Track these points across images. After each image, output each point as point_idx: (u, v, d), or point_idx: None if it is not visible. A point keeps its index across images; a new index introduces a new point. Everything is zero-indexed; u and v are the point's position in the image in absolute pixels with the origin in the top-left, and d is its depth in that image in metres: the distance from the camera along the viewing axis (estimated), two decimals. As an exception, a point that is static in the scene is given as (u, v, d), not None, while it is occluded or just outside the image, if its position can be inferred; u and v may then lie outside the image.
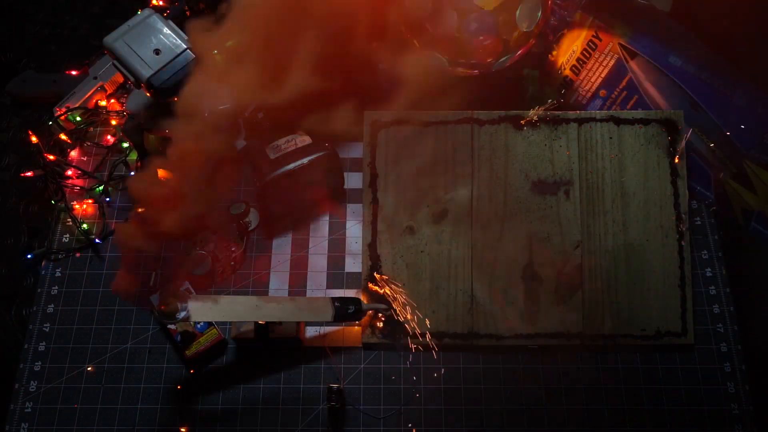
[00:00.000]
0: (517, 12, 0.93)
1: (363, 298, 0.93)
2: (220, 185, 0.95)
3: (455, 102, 1.00)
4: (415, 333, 0.92)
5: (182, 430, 0.87)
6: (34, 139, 1.05)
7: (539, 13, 0.95)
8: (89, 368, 0.91)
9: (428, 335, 0.91)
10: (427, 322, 0.92)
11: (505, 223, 0.95)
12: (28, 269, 0.98)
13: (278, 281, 0.97)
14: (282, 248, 0.99)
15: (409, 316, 0.92)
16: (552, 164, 0.97)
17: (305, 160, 0.93)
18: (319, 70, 0.96)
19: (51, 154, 1.04)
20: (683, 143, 0.97)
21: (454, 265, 0.94)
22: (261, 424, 0.88)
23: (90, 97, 1.07)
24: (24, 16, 1.22)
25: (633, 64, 0.99)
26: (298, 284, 0.97)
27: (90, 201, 1.02)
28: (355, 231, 1.00)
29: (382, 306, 0.92)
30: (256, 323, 0.90)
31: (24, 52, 1.19)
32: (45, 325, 0.94)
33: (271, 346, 0.92)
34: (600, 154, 0.97)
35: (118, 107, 1.10)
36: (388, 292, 0.93)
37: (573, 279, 0.94)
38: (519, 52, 0.99)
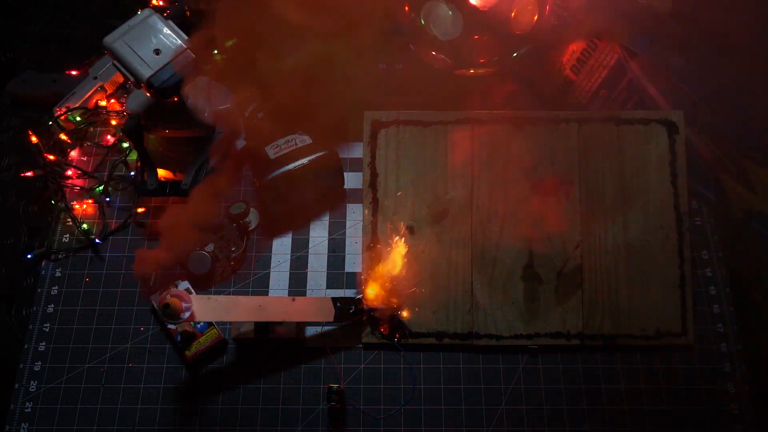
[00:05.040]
0: (512, 14, 0.93)
1: (363, 298, 0.93)
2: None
3: (455, 102, 1.00)
4: (415, 333, 0.92)
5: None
6: (34, 139, 1.05)
7: (535, 17, 0.95)
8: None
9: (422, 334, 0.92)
10: (427, 321, 0.93)
11: (505, 223, 0.95)
12: (28, 269, 0.98)
13: (278, 281, 0.97)
14: (282, 248, 0.99)
15: (408, 316, 0.92)
16: (552, 164, 0.97)
17: (305, 160, 0.93)
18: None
19: (51, 154, 1.04)
20: (683, 143, 0.97)
21: (454, 265, 0.94)
22: (261, 424, 0.88)
23: (90, 97, 1.07)
24: (24, 16, 1.22)
25: (633, 64, 0.99)
26: (298, 284, 0.97)
27: (90, 201, 1.02)
28: (355, 231, 1.00)
29: (383, 306, 0.92)
30: (256, 323, 0.90)
31: (24, 52, 1.19)
32: (45, 325, 0.94)
33: (271, 346, 0.92)
34: (600, 154, 0.97)
35: (118, 107, 1.10)
36: (388, 293, 0.93)
37: (573, 279, 0.94)
38: (517, 53, 0.99)
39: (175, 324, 0.89)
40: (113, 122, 1.08)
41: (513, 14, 0.94)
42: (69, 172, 1.04)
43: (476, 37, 0.94)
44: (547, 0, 0.97)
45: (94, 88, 1.08)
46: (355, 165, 1.04)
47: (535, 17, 0.96)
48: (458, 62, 0.99)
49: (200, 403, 0.89)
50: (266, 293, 0.96)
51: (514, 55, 0.99)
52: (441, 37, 0.96)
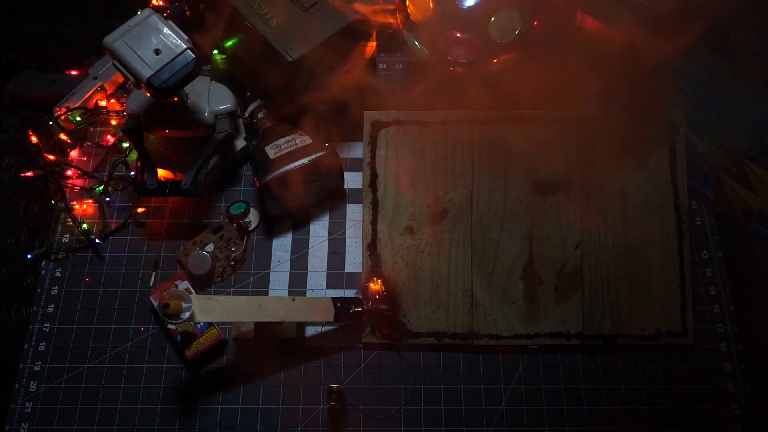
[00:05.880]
0: (491, 21, 0.93)
1: (365, 297, 0.93)
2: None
3: (455, 102, 1.00)
4: (414, 333, 0.92)
5: None
6: (34, 139, 1.05)
7: (518, 27, 0.94)
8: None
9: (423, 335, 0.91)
10: (427, 321, 0.93)
11: (505, 223, 0.95)
12: (28, 269, 0.98)
13: (278, 281, 0.97)
14: (282, 248, 0.99)
15: (409, 316, 0.92)
16: (552, 164, 0.97)
17: (305, 160, 0.93)
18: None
19: (51, 154, 1.04)
20: (683, 143, 0.97)
21: (454, 265, 0.94)
22: (261, 424, 0.88)
23: (90, 97, 1.07)
24: (24, 16, 1.22)
25: (632, 64, 0.99)
26: (298, 284, 0.97)
27: (90, 201, 1.02)
28: (355, 231, 1.00)
29: (383, 306, 0.92)
30: (255, 323, 0.90)
31: (24, 52, 1.19)
32: (45, 325, 0.94)
33: (271, 346, 0.92)
34: (600, 154, 0.97)
35: (118, 107, 1.10)
36: (388, 293, 0.93)
37: (573, 279, 0.94)
38: (506, 56, 0.99)
39: (175, 324, 0.89)
40: (113, 122, 1.08)
41: (492, 19, 0.93)
42: (69, 172, 1.04)
43: (458, 34, 0.94)
44: (537, 14, 0.96)
45: (94, 88, 1.08)
46: (355, 165, 1.04)
47: (517, 30, 0.95)
48: (434, 53, 0.99)
49: (200, 403, 0.89)
50: (266, 293, 0.96)
51: (494, 61, 0.98)
52: (416, 19, 0.95)
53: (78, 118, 1.06)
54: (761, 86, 0.94)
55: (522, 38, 0.95)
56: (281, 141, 0.95)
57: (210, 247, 0.97)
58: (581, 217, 0.95)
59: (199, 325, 0.91)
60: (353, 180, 1.03)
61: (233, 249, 0.97)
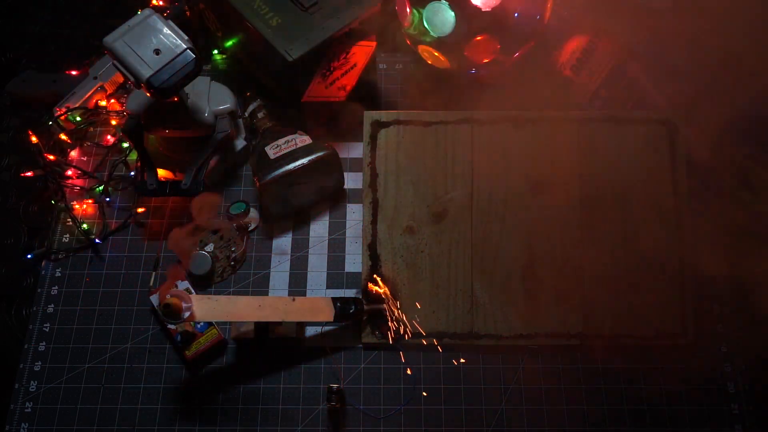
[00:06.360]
0: (515, 14, 0.93)
1: (367, 295, 0.93)
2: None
3: (455, 102, 1.00)
4: (415, 333, 0.92)
5: None
6: (34, 139, 1.05)
7: (538, 16, 0.94)
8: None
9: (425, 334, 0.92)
10: (427, 321, 0.93)
11: (505, 223, 0.95)
12: (28, 269, 0.98)
13: (278, 281, 0.97)
14: (282, 248, 0.99)
15: (408, 316, 0.92)
16: (552, 164, 0.97)
17: (305, 160, 0.93)
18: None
19: (51, 154, 1.04)
20: (683, 143, 0.97)
21: (454, 265, 0.94)
22: (261, 424, 0.88)
23: (90, 97, 1.07)
24: (24, 16, 1.22)
25: (633, 64, 0.99)
26: (298, 284, 0.97)
27: (90, 201, 1.02)
28: (355, 231, 1.00)
29: (383, 306, 0.92)
30: (255, 323, 0.90)
31: (24, 52, 1.19)
32: (45, 325, 0.94)
33: (271, 346, 0.92)
34: (600, 154, 0.97)
35: (118, 107, 1.10)
36: (388, 293, 0.93)
37: (573, 279, 0.94)
38: (516, 54, 0.99)
39: (175, 324, 0.89)
40: (113, 122, 1.08)
41: (516, 14, 0.93)
42: (69, 172, 1.04)
43: (479, 38, 0.94)
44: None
45: (94, 88, 1.08)
46: (355, 165, 1.04)
47: (538, 16, 0.95)
48: (460, 63, 0.99)
49: (200, 403, 0.89)
50: (266, 293, 0.96)
51: (516, 54, 0.99)
52: (437, 35, 0.95)
53: (78, 118, 1.06)
54: (762, 87, 0.95)
55: (539, 26, 0.95)
56: (281, 141, 0.95)
57: (210, 247, 0.97)
58: (581, 216, 0.95)
59: (199, 325, 0.91)
60: (353, 180, 1.03)
61: (233, 249, 0.97)
